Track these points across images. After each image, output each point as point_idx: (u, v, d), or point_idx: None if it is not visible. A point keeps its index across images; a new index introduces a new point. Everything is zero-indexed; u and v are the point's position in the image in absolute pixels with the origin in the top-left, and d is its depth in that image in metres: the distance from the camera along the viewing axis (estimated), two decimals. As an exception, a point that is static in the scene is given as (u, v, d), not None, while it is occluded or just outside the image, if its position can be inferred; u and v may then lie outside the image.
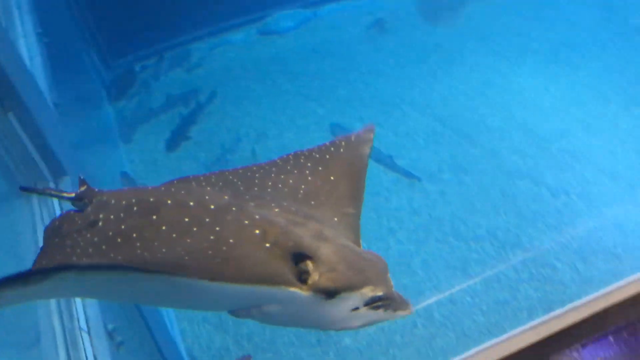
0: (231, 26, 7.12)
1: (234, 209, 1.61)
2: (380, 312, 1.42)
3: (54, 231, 1.85)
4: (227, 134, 5.57)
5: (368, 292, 1.40)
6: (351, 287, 1.39)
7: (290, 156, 2.03)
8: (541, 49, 6.03)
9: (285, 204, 1.71)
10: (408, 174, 4.86)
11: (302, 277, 1.41)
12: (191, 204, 1.66)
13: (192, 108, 5.94)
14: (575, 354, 1.43)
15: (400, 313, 1.42)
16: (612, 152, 4.66)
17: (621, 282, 1.67)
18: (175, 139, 5.61)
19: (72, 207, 1.91)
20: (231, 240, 1.49)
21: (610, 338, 1.48)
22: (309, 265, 1.41)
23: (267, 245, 1.47)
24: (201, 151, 5.48)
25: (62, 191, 2.06)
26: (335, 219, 1.74)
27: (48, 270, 1.30)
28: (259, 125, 5.61)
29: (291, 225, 1.54)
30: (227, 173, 1.96)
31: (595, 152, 4.67)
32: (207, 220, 1.58)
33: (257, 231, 1.52)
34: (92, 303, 2.17)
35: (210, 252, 1.48)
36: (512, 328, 1.58)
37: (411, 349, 3.51)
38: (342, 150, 2.03)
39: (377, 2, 7.27)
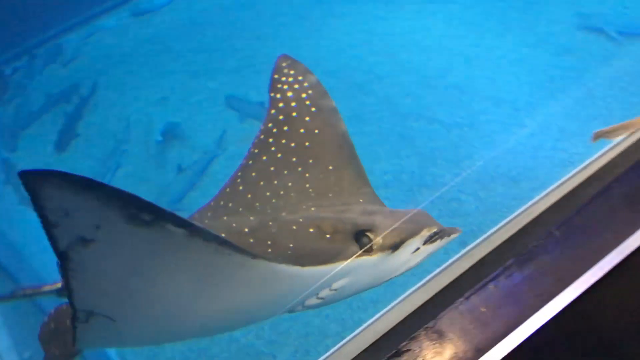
0: (101, 11, 6.77)
1: (270, 223, 1.76)
2: (437, 242, 1.73)
3: (51, 335, 1.69)
4: (118, 123, 5.34)
5: (426, 232, 1.70)
6: (413, 234, 1.67)
7: (269, 157, 2.05)
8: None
9: (310, 203, 1.90)
10: (309, 134, 4.90)
11: (367, 248, 1.65)
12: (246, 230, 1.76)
13: (76, 103, 5.64)
14: (461, 308, 1.53)
15: (453, 236, 1.75)
16: (493, 79, 4.92)
17: (495, 228, 1.81)
18: (64, 138, 5.31)
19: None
20: (296, 243, 1.66)
21: (490, 286, 1.60)
22: (370, 236, 1.66)
23: (328, 236, 1.68)
24: (94, 147, 5.23)
25: (39, 287, 1.79)
26: (361, 200, 1.95)
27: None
28: (149, 110, 5.42)
29: (339, 214, 1.76)
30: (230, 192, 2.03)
31: (478, 82, 4.91)
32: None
33: (312, 229, 1.71)
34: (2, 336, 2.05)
35: (290, 251, 1.66)
36: (433, 268, 1.69)
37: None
38: (317, 132, 2.10)
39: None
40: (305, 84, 2.23)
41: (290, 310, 1.76)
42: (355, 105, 5.07)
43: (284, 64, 2.29)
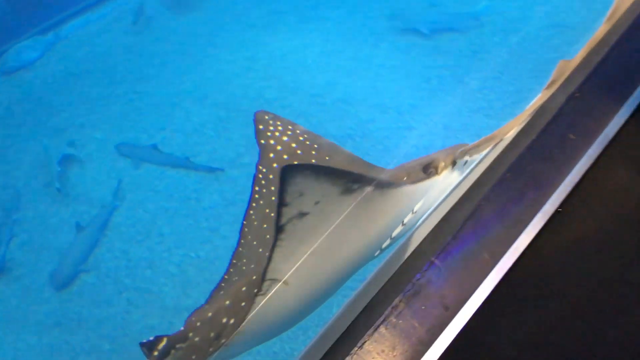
0: (-36, 76, 6.35)
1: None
2: (476, 155, 2.07)
3: (203, 322, 1.90)
4: (4, 192, 5.05)
5: (467, 148, 1.98)
6: (462, 152, 2.01)
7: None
8: (289, 11, 6.33)
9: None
10: (210, 169, 4.87)
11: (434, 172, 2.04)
12: None
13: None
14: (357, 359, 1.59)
15: (485, 144, 2.06)
16: (375, 88, 5.14)
17: (379, 266, 1.89)
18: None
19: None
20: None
21: (382, 329, 1.67)
22: (435, 165, 2.02)
23: (405, 178, 2.00)
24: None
25: None
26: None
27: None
28: (36, 173, 5.16)
29: (404, 164, 2.11)
30: None
31: (362, 93, 5.11)
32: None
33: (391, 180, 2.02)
34: None
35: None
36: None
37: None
38: (327, 158, 2.33)
39: (124, 6, 6.99)
40: (297, 131, 2.41)
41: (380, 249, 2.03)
42: (250, 133, 5.07)
43: (266, 117, 2.45)
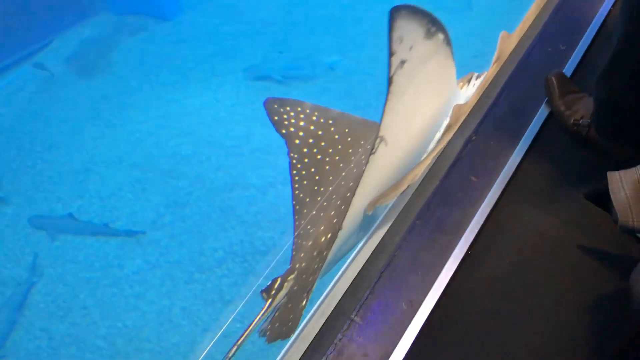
0: None
1: None
2: (480, 78, 2.40)
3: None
4: None
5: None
6: (472, 75, 2.36)
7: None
8: (198, 66, 6.35)
9: None
10: (130, 233, 4.72)
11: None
12: None
13: None
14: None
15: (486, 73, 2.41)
16: (293, 134, 5.22)
17: (302, 323, 1.90)
18: None
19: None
20: None
21: None
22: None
23: None
24: None
25: None
26: None
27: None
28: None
29: None
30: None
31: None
32: None
33: None
34: None
35: None
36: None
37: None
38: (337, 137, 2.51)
39: (27, 75, 6.76)
40: (307, 110, 2.66)
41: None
42: (170, 191, 5.02)
43: (275, 106, 2.72)
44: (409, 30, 1.66)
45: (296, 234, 2.25)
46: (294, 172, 2.50)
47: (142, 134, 5.69)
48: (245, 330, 1.84)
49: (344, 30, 6.62)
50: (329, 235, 2.02)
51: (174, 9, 6.88)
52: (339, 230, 1.88)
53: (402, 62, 1.71)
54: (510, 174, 2.32)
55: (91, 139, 5.79)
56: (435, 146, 2.26)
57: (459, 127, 2.45)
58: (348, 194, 2.08)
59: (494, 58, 2.71)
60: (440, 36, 1.81)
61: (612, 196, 1.67)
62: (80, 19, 6.96)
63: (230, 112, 5.68)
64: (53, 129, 6.06)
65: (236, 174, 4.95)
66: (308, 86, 5.84)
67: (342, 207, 2.04)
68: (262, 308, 1.91)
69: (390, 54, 1.66)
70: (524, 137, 2.46)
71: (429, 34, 1.75)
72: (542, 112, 2.60)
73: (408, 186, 2.19)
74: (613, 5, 3.20)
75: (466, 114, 2.51)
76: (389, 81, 1.73)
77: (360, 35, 6.52)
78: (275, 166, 4.87)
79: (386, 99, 1.77)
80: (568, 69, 2.76)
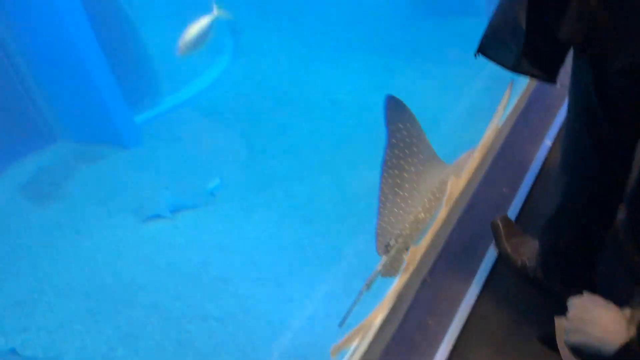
0: None
1: None
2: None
3: None
4: None
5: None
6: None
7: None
8: (153, 193, 6.41)
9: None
10: (79, 369, 4.51)
11: None
12: None
13: None
14: None
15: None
16: (253, 262, 5.25)
17: None
18: None
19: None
20: None
21: None
22: None
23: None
24: None
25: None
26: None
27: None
28: None
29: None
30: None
31: (239, 269, 5.20)
32: None
33: None
34: None
35: None
36: None
37: None
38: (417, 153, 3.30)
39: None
40: (412, 129, 3.25)
41: None
42: (123, 322, 4.88)
43: (395, 104, 3.28)
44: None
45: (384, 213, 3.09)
46: (386, 167, 3.19)
47: (96, 263, 5.59)
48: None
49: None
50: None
51: (133, 137, 7.06)
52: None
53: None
54: (466, 315, 2.42)
55: (42, 268, 5.63)
56: (393, 287, 2.46)
57: (414, 269, 2.59)
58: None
59: (445, 200, 2.94)
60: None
61: (558, 344, 1.77)
62: (38, 147, 7.03)
63: (190, 239, 5.70)
64: (10, 264, 5.88)
65: (194, 303, 4.88)
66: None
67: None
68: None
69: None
70: (476, 277, 2.61)
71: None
72: (492, 253, 2.78)
73: (368, 329, 2.29)
74: (553, 143, 3.52)
75: (420, 256, 2.67)
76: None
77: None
78: (236, 295, 4.85)
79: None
80: (512, 212, 3.00)
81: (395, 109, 3.31)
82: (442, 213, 2.84)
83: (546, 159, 3.38)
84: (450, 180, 2.94)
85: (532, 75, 1.82)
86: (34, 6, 6.03)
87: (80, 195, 6.49)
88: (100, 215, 6.20)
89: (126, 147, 7.02)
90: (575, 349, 1.62)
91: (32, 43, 6.40)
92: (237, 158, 6.77)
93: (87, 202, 6.38)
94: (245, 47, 8.76)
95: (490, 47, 1.85)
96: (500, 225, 2.76)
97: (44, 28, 6.19)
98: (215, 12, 4.43)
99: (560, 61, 1.78)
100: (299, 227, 5.71)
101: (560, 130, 3.52)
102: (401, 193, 3.15)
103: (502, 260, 2.69)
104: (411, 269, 2.56)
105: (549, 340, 1.92)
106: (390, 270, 2.76)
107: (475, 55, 1.93)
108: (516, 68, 1.79)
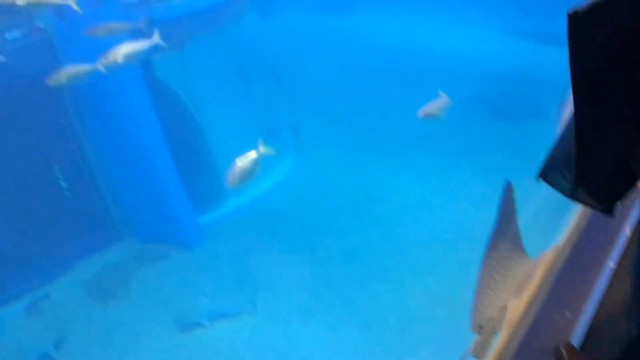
0: None
1: None
2: None
3: None
4: None
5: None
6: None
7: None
8: (215, 293, 6.41)
9: None
10: None
11: None
12: None
13: None
14: None
15: None
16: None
17: None
18: None
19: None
20: None
21: None
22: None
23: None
24: None
25: None
26: None
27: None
28: None
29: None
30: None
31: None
32: None
33: None
34: None
35: None
36: None
37: None
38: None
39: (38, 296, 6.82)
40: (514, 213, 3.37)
41: None
42: None
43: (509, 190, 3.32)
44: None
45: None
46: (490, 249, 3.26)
47: (153, 365, 5.55)
48: None
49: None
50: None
51: (196, 238, 7.21)
52: None
53: None
54: None
55: (101, 367, 5.64)
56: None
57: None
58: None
59: (505, 325, 2.78)
60: None
61: None
62: (105, 244, 7.25)
63: (248, 345, 5.61)
64: (62, 353, 5.92)
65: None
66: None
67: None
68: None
69: None
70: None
71: None
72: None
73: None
74: (616, 266, 3.33)
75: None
76: None
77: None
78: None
79: None
80: (576, 339, 2.79)
81: (510, 196, 3.36)
82: (502, 337, 2.68)
83: (610, 283, 3.19)
84: (511, 300, 2.89)
85: (588, 205, 1.78)
86: (108, 108, 6.47)
87: (142, 295, 6.56)
88: (161, 316, 6.22)
89: (189, 248, 7.14)
90: None
91: (105, 144, 6.81)
92: (296, 262, 6.75)
93: (149, 302, 6.43)
94: (307, 152, 9.01)
95: (550, 173, 1.87)
96: (565, 353, 2.57)
97: (117, 130, 6.60)
98: (261, 149, 4.89)
99: (619, 194, 1.75)
100: (357, 334, 5.53)
101: (625, 252, 3.34)
102: (496, 277, 3.19)
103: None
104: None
105: None
106: (480, 351, 2.78)
107: (536, 179, 1.94)
108: (573, 196, 1.79)
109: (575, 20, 1.41)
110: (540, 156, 1.96)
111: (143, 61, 5.52)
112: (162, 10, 6.38)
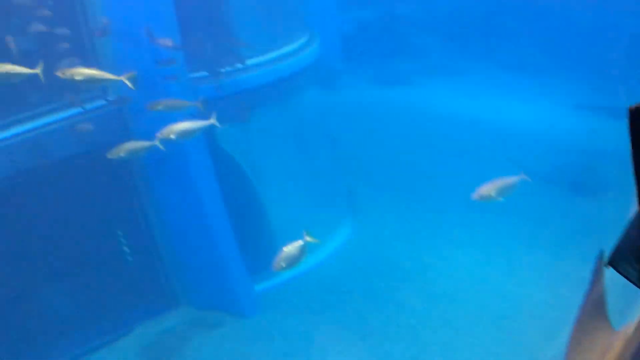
0: None
1: None
2: None
3: None
4: None
5: None
6: None
7: None
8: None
9: None
10: None
11: None
12: None
13: None
14: None
15: None
16: None
17: None
18: None
19: None
20: None
21: None
22: None
23: None
24: None
25: None
26: None
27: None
28: None
29: None
30: None
31: None
32: None
33: None
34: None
35: None
36: None
37: None
38: None
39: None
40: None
41: None
42: None
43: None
44: None
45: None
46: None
47: None
48: None
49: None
50: None
51: (251, 307, 7.18)
52: None
53: None
54: None
55: None
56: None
57: None
58: None
59: None
60: None
61: None
62: (163, 310, 7.32)
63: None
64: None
65: None
66: None
67: None
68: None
69: None
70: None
71: None
72: None
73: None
74: None
75: None
76: None
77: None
78: None
79: None
80: None
81: (601, 266, 3.30)
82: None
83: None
84: None
85: None
86: (173, 175, 6.68)
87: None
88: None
89: (244, 316, 7.11)
90: None
91: (168, 210, 6.99)
92: (350, 337, 6.58)
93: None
94: (364, 222, 8.95)
95: (619, 262, 1.91)
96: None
97: (180, 196, 6.80)
98: (307, 238, 5.17)
99: None
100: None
101: None
102: (583, 348, 3.09)
103: None
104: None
105: None
106: None
107: (606, 266, 1.96)
108: None
109: (636, 116, 1.43)
110: (608, 233, 1.96)
111: (207, 130, 5.75)
112: (229, 84, 6.70)
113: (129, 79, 5.08)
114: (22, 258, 6.21)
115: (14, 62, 4.74)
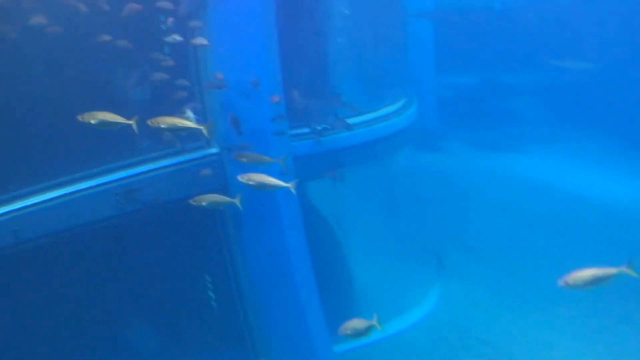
0: None
1: None
2: None
3: None
4: None
5: None
6: None
7: None
8: None
9: None
10: None
11: None
12: None
13: None
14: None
15: None
16: None
17: None
18: None
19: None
20: None
21: None
22: None
23: None
24: None
25: None
26: None
27: None
28: None
29: None
30: None
31: None
32: None
33: None
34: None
35: None
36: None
37: None
38: None
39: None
40: None
41: None
42: None
43: None
44: None
45: None
46: None
47: None
48: None
49: None
50: None
51: (330, 367, 6.99)
52: None
53: None
54: None
55: None
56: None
57: None
58: None
59: None
60: None
61: None
62: (241, 361, 7.27)
63: None
64: None
65: None
66: None
67: None
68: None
69: None
70: None
71: None
72: None
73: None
74: None
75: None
76: None
77: None
78: None
79: None
80: None
81: None
82: None
83: None
84: None
85: None
86: (263, 226, 6.74)
87: None
88: None
89: None
90: None
91: (256, 261, 7.00)
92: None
93: None
94: (453, 293, 8.56)
95: None
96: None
97: (268, 249, 6.83)
98: (375, 322, 5.18)
99: None
100: None
101: None
102: None
103: None
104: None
105: None
106: None
107: None
108: None
109: None
110: None
111: (299, 184, 5.82)
112: (327, 141, 6.79)
113: (207, 129, 5.27)
114: (117, 296, 6.43)
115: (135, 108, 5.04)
